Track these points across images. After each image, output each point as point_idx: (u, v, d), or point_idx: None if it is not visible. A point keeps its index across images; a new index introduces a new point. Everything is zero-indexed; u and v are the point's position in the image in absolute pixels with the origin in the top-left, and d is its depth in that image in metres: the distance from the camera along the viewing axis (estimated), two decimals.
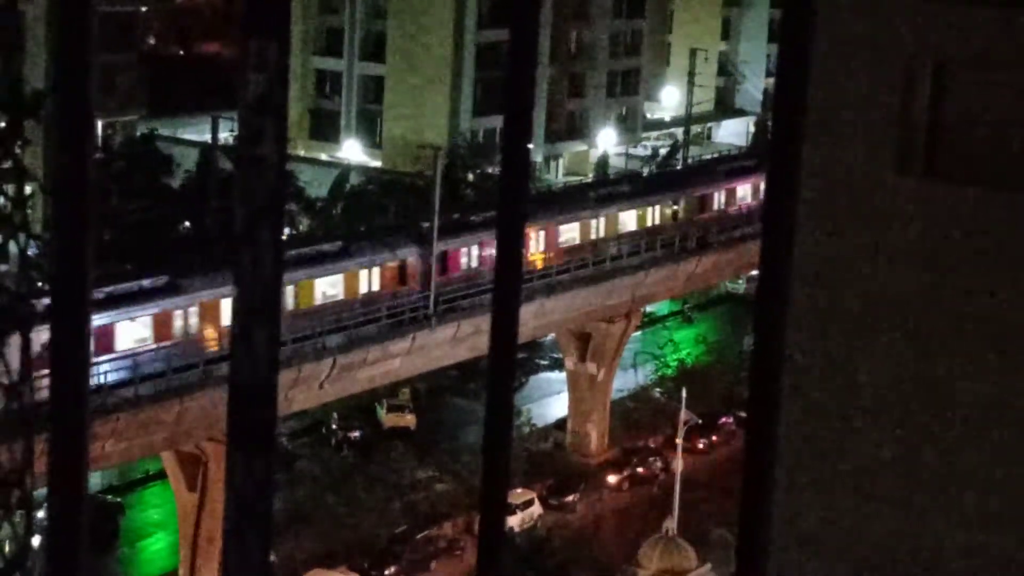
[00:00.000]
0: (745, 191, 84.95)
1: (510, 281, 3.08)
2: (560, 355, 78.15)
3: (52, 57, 2.83)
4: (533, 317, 64.42)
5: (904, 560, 15.66)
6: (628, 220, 78.00)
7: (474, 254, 68.86)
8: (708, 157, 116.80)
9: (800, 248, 15.47)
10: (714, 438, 74.21)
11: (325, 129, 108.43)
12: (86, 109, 2.81)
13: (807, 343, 15.78)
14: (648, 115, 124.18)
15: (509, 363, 3.09)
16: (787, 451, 15.44)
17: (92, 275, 2.88)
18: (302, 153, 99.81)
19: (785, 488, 15.68)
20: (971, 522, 15.30)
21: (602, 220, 75.65)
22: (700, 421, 71.10)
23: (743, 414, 63.39)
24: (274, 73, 2.81)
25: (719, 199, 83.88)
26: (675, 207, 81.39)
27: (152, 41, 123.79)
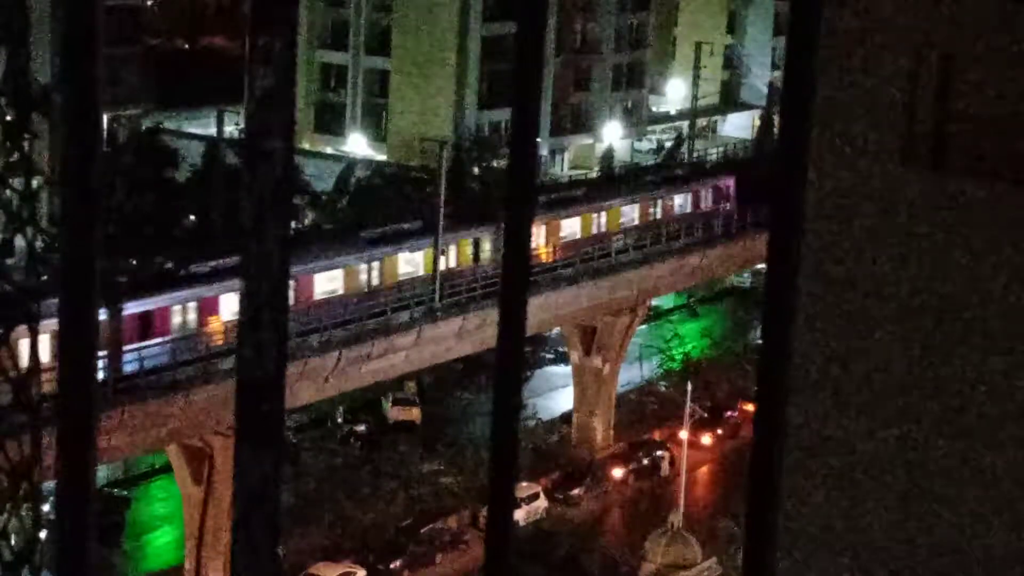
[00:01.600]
0: (683, 201, 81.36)
1: (518, 274, 3.08)
2: (565, 348, 78.15)
3: (60, 51, 2.85)
4: (538, 310, 64.40)
5: (907, 553, 15.65)
6: (573, 227, 74.83)
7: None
8: (705, 154, 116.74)
9: (805, 241, 15.47)
10: (719, 431, 74.20)
11: (330, 123, 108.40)
12: (94, 103, 2.82)
13: (811, 337, 15.78)
14: (653, 108, 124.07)
15: (516, 357, 3.09)
16: (792, 446, 15.43)
17: (99, 268, 2.88)
18: (307, 147, 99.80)
19: (790, 481, 15.69)
20: (975, 517, 15.29)
21: (543, 228, 71.70)
22: (706, 414, 71.10)
23: (749, 407, 63.14)
24: (281, 67, 2.81)
25: (655, 210, 79.73)
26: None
27: (157, 34, 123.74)
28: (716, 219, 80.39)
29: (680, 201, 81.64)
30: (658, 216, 79.55)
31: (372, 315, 62.60)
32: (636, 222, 78.54)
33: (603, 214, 76.68)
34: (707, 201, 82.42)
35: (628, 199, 79.07)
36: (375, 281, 64.78)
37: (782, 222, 3.10)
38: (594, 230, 75.86)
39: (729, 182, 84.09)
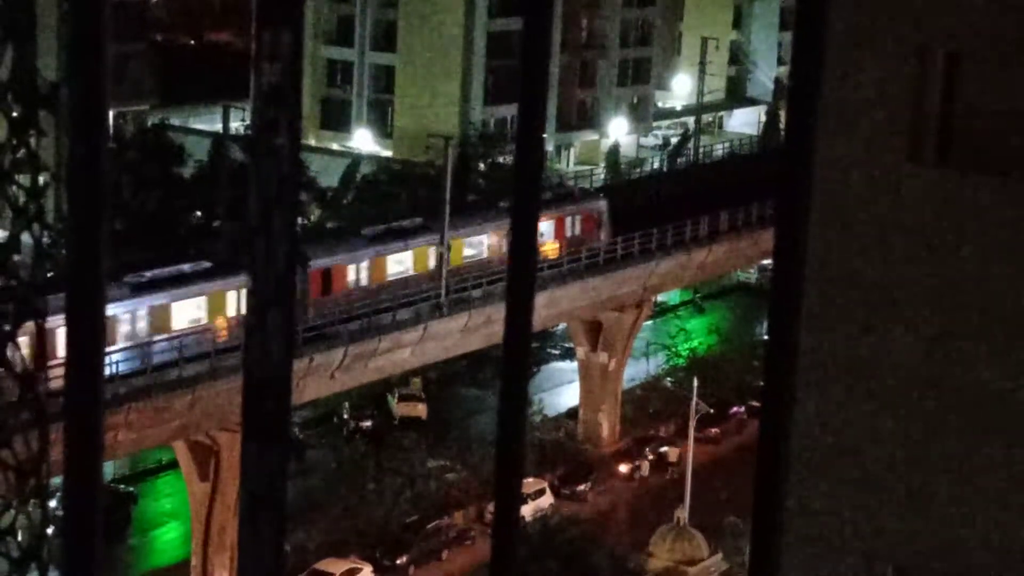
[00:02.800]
0: (546, 229, 70.23)
1: (524, 271, 3.08)
2: (571, 344, 78.14)
3: (67, 48, 2.85)
4: (544, 306, 64.43)
5: (914, 551, 15.64)
6: (398, 263, 65.94)
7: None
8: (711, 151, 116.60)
9: (810, 238, 15.45)
10: (725, 427, 74.21)
11: (336, 119, 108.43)
12: (101, 99, 2.82)
13: (817, 333, 15.76)
14: (659, 104, 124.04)
15: (523, 353, 3.09)
16: (797, 443, 15.42)
17: (106, 264, 2.89)
18: (313, 143, 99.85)
19: (796, 479, 15.68)
20: (984, 513, 15.28)
21: (364, 264, 64.68)
22: (711, 411, 71.08)
23: (755, 403, 62.97)
24: (288, 63, 2.81)
25: (488, 243, 69.98)
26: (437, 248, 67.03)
27: (163, 30, 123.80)
28: (587, 247, 71.85)
29: (542, 229, 67.63)
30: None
31: (377, 311, 62.63)
32: (484, 255, 69.09)
33: (430, 248, 66.35)
34: (574, 229, 73.16)
35: (476, 227, 69.13)
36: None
37: (788, 218, 3.10)
38: (430, 265, 66.20)
39: (600, 207, 75.12)
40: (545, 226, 69.78)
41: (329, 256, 62.80)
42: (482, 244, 69.89)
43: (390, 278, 65.26)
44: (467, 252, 68.54)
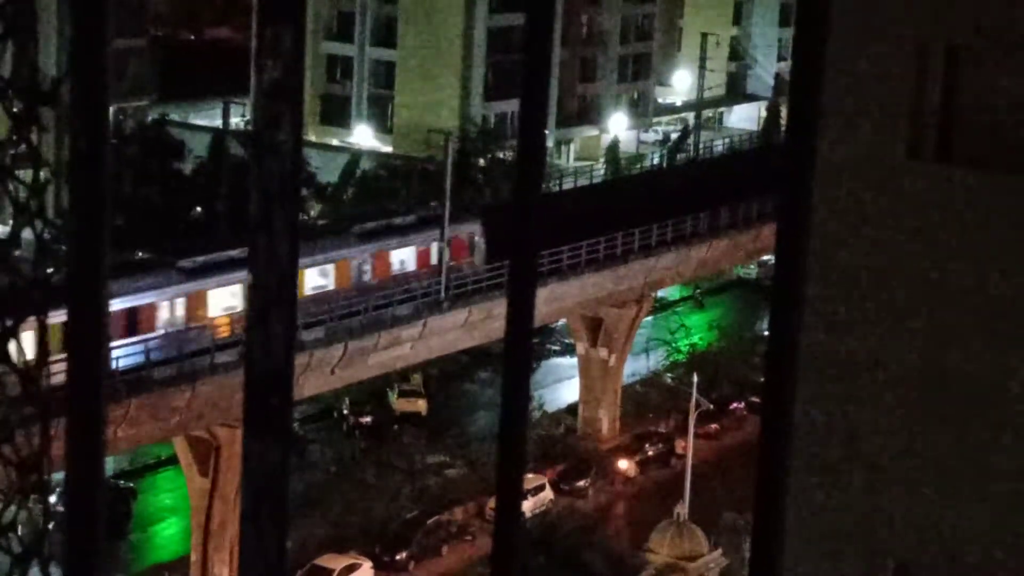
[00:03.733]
0: (407, 256, 64.84)
1: (525, 267, 3.08)
2: (571, 340, 78.16)
3: (69, 43, 2.85)
4: (544, 302, 64.43)
5: (914, 547, 15.65)
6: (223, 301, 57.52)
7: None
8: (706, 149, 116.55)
9: (811, 234, 15.44)
10: (725, 423, 74.24)
11: (336, 114, 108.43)
12: (102, 96, 2.82)
13: (817, 328, 15.76)
14: (659, 100, 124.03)
15: (525, 350, 3.09)
16: (798, 437, 15.43)
17: (108, 260, 2.89)
18: (312, 138, 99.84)
19: (797, 474, 15.68)
20: (986, 506, 15.28)
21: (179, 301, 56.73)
22: (711, 406, 71.10)
23: (755, 399, 62.85)
24: (289, 59, 2.81)
25: (362, 270, 63.31)
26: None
27: (163, 25, 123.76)
28: (456, 276, 64.79)
29: (402, 256, 64.55)
30: (367, 279, 62.82)
31: (377, 307, 62.61)
32: (330, 287, 61.06)
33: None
34: (441, 255, 65.19)
35: (324, 256, 60.66)
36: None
37: (790, 214, 3.10)
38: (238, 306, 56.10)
39: (472, 230, 66.91)
40: (406, 253, 64.46)
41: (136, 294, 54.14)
42: (328, 274, 61.11)
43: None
44: (313, 283, 59.52)
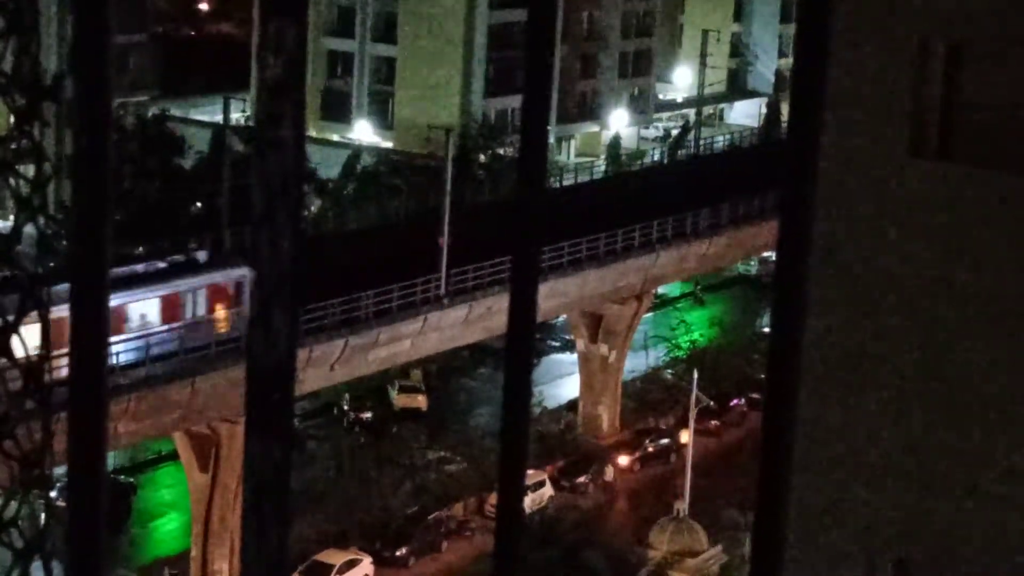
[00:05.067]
0: (148, 310, 53.83)
1: (527, 265, 3.09)
2: (572, 336, 78.14)
3: (71, 39, 2.85)
4: (544, 298, 64.43)
5: (916, 539, 15.65)
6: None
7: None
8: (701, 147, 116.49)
9: (813, 231, 15.42)
10: (725, 419, 74.22)
11: (336, 110, 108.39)
12: (105, 92, 2.82)
13: (818, 324, 15.76)
14: (660, 96, 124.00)
15: (526, 346, 3.09)
16: (800, 433, 15.44)
17: (110, 255, 2.89)
18: (313, 134, 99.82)
19: (798, 469, 15.69)
20: (985, 501, 15.28)
21: None
22: (711, 403, 71.11)
23: (755, 395, 62.77)
24: (291, 55, 2.81)
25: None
26: None
27: (164, 21, 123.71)
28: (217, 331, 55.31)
29: (142, 311, 53.41)
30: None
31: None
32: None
33: None
34: (195, 307, 55.26)
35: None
36: None
37: (793, 211, 3.11)
38: None
39: (240, 275, 55.95)
40: (149, 307, 53.65)
41: None
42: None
43: None
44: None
